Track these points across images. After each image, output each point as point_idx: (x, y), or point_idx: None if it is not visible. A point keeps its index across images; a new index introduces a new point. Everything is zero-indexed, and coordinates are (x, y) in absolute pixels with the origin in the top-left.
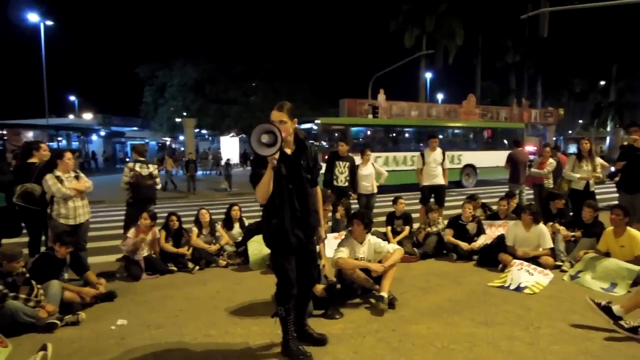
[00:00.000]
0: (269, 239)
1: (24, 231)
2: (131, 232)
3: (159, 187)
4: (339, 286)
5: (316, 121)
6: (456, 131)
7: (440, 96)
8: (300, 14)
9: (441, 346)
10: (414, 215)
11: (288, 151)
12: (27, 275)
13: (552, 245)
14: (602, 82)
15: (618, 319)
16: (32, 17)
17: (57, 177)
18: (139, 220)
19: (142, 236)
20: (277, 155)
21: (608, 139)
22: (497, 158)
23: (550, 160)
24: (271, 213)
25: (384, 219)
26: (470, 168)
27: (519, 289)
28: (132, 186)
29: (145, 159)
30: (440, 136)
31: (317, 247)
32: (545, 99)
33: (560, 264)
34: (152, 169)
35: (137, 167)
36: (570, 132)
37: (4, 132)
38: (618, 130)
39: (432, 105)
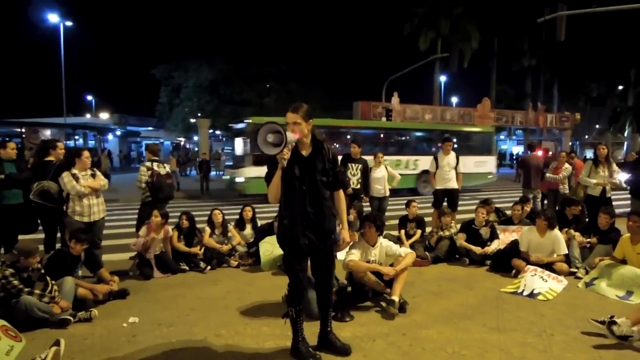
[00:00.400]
0: (280, 239)
1: (40, 228)
2: (142, 231)
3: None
4: (349, 289)
5: (246, 121)
6: (414, 134)
7: (454, 99)
8: (315, 16)
9: (452, 351)
10: (426, 219)
11: (304, 153)
12: (42, 271)
13: (566, 252)
14: (620, 87)
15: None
16: (52, 17)
17: (74, 175)
18: (150, 218)
19: (152, 235)
20: (286, 156)
21: (625, 144)
22: (461, 164)
23: (566, 165)
24: (283, 214)
25: (396, 222)
26: (428, 174)
27: (532, 295)
28: (152, 186)
29: (160, 159)
30: (391, 139)
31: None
32: (561, 103)
33: (575, 270)
34: (168, 168)
35: (156, 167)
36: (586, 137)
37: (23, 130)
38: (636, 136)
39: (446, 108)
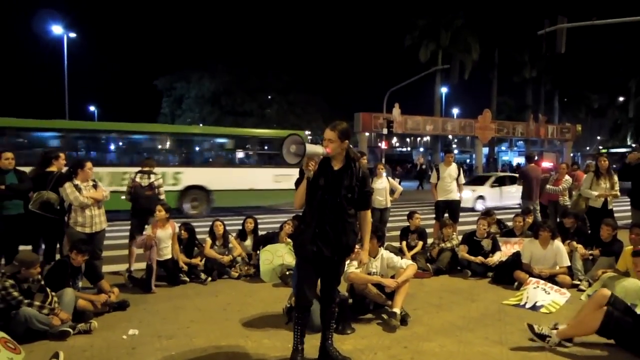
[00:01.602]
0: (293, 242)
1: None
2: (149, 229)
3: (162, 197)
4: (350, 301)
5: None
6: (175, 140)
7: (455, 111)
8: (317, 27)
9: None
10: (427, 231)
11: (335, 167)
12: (42, 282)
13: (569, 264)
14: (621, 98)
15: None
16: (56, 29)
17: (76, 186)
18: (155, 214)
19: (148, 232)
20: (311, 167)
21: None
22: (246, 178)
23: (566, 177)
24: (303, 220)
25: (397, 233)
26: (198, 191)
27: (535, 307)
28: (131, 196)
29: (149, 169)
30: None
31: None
32: (562, 114)
33: (578, 282)
34: (154, 179)
35: (138, 178)
36: (588, 148)
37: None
38: (637, 148)
39: (447, 119)
